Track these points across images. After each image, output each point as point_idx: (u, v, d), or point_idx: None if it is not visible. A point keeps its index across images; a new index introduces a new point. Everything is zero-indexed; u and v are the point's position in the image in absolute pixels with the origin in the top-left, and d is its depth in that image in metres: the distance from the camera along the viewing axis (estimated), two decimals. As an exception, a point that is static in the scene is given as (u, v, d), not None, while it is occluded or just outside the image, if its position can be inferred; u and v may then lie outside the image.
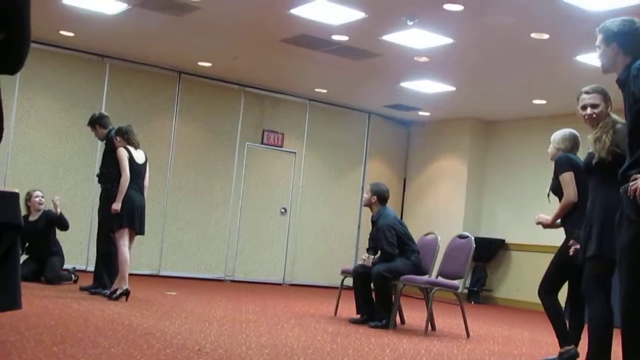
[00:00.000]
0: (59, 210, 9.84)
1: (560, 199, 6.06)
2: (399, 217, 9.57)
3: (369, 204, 8.41)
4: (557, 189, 6.07)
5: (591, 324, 5.12)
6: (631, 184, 3.76)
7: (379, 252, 8.12)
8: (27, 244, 9.74)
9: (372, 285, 8.10)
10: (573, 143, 6.21)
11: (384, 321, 7.77)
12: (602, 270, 4.96)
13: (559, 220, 6.08)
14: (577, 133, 6.27)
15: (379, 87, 12.96)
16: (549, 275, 6.07)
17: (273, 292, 11.84)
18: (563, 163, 6.04)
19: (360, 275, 8.15)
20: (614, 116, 5.30)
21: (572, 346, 5.93)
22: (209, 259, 13.38)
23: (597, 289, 5.08)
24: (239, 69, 12.57)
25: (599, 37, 4.32)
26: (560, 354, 5.97)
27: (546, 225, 6.18)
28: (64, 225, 10.00)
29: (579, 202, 5.89)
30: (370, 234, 8.58)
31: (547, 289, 6.07)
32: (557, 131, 6.33)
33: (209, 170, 13.38)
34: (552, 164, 6.18)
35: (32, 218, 9.87)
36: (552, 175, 6.18)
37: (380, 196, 8.34)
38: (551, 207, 6.15)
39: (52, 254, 9.86)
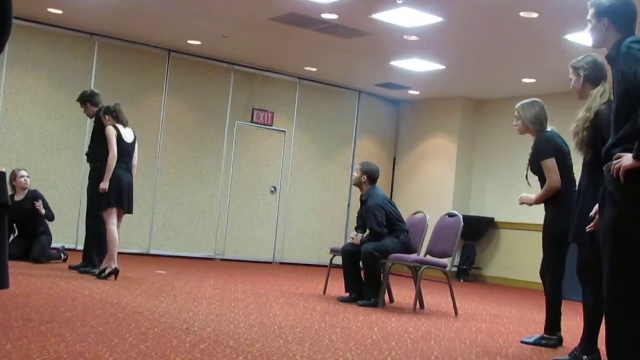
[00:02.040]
0: (43, 212, 9.83)
1: (539, 178, 6.07)
2: (389, 196, 9.57)
3: (358, 183, 8.39)
4: (536, 170, 6.08)
5: (585, 308, 5.19)
6: (614, 162, 3.75)
7: (368, 231, 8.12)
8: (14, 225, 9.73)
9: (361, 264, 8.12)
10: (542, 112, 6.17)
11: (372, 299, 7.80)
12: (591, 255, 4.99)
13: None
14: (540, 101, 6.24)
15: (369, 66, 12.94)
16: (544, 257, 6.08)
17: (262, 271, 11.86)
18: (544, 148, 6.02)
19: (349, 254, 8.16)
20: (600, 89, 5.25)
21: (556, 337, 5.96)
22: (199, 238, 13.39)
23: (590, 274, 5.11)
24: (228, 47, 12.53)
25: (590, 11, 4.27)
26: (542, 337, 6.00)
27: (530, 204, 6.20)
28: (49, 219, 10.01)
29: (562, 185, 5.92)
30: (358, 213, 8.59)
31: (544, 270, 6.08)
32: (521, 103, 6.27)
33: (199, 148, 13.37)
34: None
35: (17, 197, 9.82)
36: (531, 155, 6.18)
37: (370, 175, 8.33)
38: (533, 189, 6.16)
39: (39, 233, 9.84)
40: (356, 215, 8.70)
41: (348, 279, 8.23)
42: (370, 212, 8.07)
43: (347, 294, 8.17)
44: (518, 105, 6.26)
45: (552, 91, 12.84)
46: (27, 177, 9.98)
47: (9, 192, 9.40)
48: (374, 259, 7.87)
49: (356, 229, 8.43)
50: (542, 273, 6.10)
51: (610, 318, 3.83)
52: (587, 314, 5.21)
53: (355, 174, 8.43)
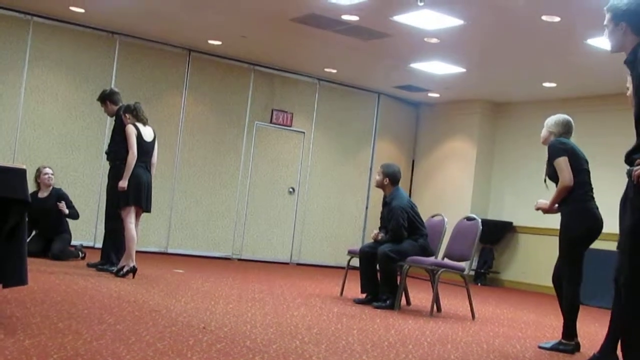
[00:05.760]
0: (66, 211, 9.89)
1: (556, 184, 6.05)
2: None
3: (381, 186, 8.33)
4: (552, 174, 6.07)
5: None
6: (635, 168, 3.73)
7: (389, 232, 8.09)
8: (36, 222, 9.74)
9: (377, 265, 8.09)
10: (566, 128, 6.19)
11: (388, 302, 7.78)
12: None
13: (556, 205, 6.08)
14: (570, 118, 6.26)
15: (389, 68, 12.92)
16: (561, 263, 6.05)
17: (280, 272, 11.86)
18: (556, 148, 6.04)
19: (367, 255, 8.14)
20: None
21: (573, 343, 5.93)
22: (217, 238, 13.42)
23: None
24: (248, 47, 12.55)
25: (607, 16, 4.24)
26: (560, 342, 5.97)
27: (545, 211, 6.18)
28: (74, 218, 10.06)
29: (574, 186, 5.90)
30: (382, 214, 8.50)
31: (560, 276, 6.04)
32: (554, 119, 6.30)
33: (218, 148, 13.39)
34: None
35: (41, 195, 9.88)
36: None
37: (393, 177, 8.28)
38: (550, 192, 6.15)
39: (60, 232, 9.87)
40: (379, 216, 8.61)
41: (364, 279, 8.20)
42: (393, 214, 8.03)
43: (363, 296, 8.16)
44: (547, 121, 6.28)
45: (573, 95, 12.82)
46: (52, 174, 10.03)
47: (33, 189, 9.54)
48: (390, 261, 7.85)
49: (380, 229, 8.38)
50: (555, 278, 6.09)
51: (627, 317, 3.82)
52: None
53: (377, 177, 8.37)
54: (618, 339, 5.11)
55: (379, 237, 8.12)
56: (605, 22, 4.26)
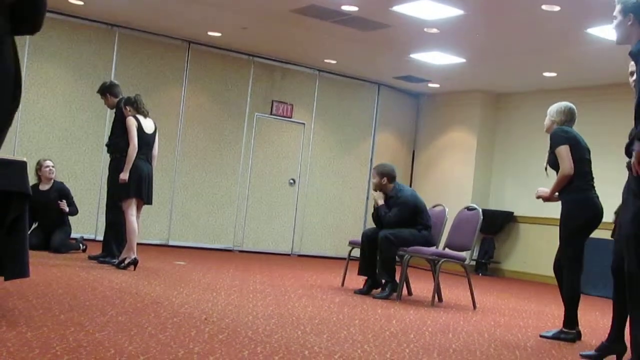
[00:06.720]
0: (67, 209, 9.89)
1: (557, 173, 6.05)
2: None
3: (380, 187, 8.25)
4: (554, 163, 6.07)
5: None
6: (634, 160, 3.75)
7: (391, 213, 8.06)
8: (37, 215, 9.74)
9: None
10: (569, 116, 6.18)
11: (387, 286, 7.76)
12: None
13: (557, 194, 6.09)
14: (573, 106, 6.24)
15: (389, 59, 12.91)
16: (562, 252, 6.05)
17: (281, 263, 11.87)
18: (558, 136, 6.03)
19: (369, 239, 8.12)
20: None
21: (574, 332, 5.93)
22: (218, 229, 13.42)
23: None
24: (248, 39, 12.53)
25: (617, 7, 4.28)
26: (561, 331, 5.98)
27: (546, 199, 6.18)
28: (73, 215, 10.06)
29: (575, 175, 5.90)
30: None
31: (561, 266, 6.05)
32: (557, 107, 6.29)
33: (218, 140, 13.39)
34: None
35: (42, 187, 9.87)
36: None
37: (389, 175, 8.22)
38: (550, 180, 6.15)
39: (60, 224, 9.87)
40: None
41: (363, 262, 8.17)
42: (401, 203, 8.02)
43: (362, 285, 8.15)
44: (549, 109, 6.27)
45: (573, 85, 12.80)
46: (53, 167, 9.99)
47: (34, 182, 9.55)
48: (390, 244, 7.83)
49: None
50: (556, 268, 6.10)
51: (633, 303, 3.85)
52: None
53: (374, 180, 8.26)
54: (623, 326, 5.12)
55: (379, 203, 8.11)
56: (614, 13, 4.29)
